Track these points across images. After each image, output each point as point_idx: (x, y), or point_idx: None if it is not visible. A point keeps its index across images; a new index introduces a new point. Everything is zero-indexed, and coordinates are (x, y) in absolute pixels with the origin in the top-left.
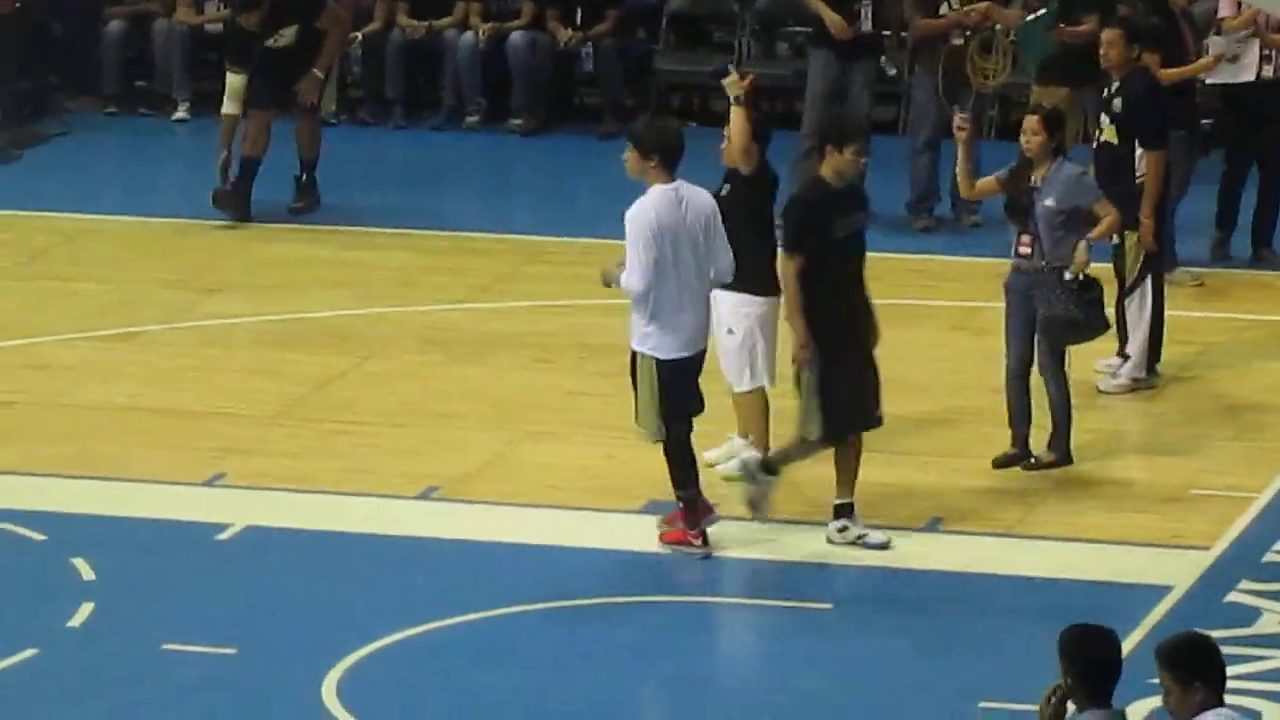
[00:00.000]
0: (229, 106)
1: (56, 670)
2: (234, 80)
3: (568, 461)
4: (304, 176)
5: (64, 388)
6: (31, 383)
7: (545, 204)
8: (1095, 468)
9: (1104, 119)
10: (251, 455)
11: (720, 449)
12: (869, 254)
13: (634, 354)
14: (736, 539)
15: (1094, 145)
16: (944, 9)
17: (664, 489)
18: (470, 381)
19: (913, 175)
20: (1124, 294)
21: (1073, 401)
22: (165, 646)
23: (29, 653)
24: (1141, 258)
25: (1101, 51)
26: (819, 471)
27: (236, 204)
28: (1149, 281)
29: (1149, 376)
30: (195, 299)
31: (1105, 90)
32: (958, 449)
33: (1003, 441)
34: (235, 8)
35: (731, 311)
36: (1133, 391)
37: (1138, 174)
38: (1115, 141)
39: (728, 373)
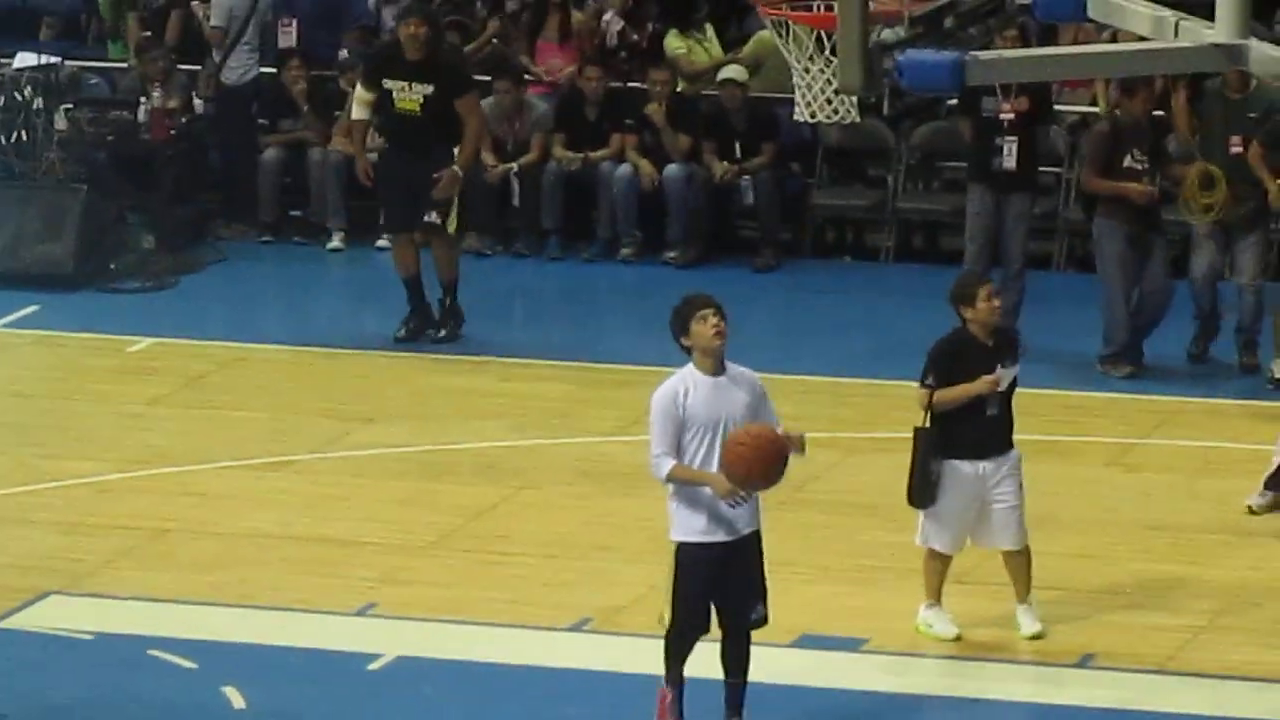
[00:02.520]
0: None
1: None
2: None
3: None
4: (447, 301)
5: (218, 515)
6: (186, 510)
7: None
8: (1253, 602)
9: None
10: (403, 585)
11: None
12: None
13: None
14: (884, 669)
15: None
16: (1127, 160)
17: (818, 624)
18: (624, 513)
19: (1108, 322)
20: None
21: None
22: None
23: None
24: None
25: None
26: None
27: (417, 323)
28: None
29: None
30: (348, 428)
31: None
32: (1111, 585)
33: (1158, 575)
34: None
35: (1019, 468)
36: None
37: None
38: None
39: (1016, 535)
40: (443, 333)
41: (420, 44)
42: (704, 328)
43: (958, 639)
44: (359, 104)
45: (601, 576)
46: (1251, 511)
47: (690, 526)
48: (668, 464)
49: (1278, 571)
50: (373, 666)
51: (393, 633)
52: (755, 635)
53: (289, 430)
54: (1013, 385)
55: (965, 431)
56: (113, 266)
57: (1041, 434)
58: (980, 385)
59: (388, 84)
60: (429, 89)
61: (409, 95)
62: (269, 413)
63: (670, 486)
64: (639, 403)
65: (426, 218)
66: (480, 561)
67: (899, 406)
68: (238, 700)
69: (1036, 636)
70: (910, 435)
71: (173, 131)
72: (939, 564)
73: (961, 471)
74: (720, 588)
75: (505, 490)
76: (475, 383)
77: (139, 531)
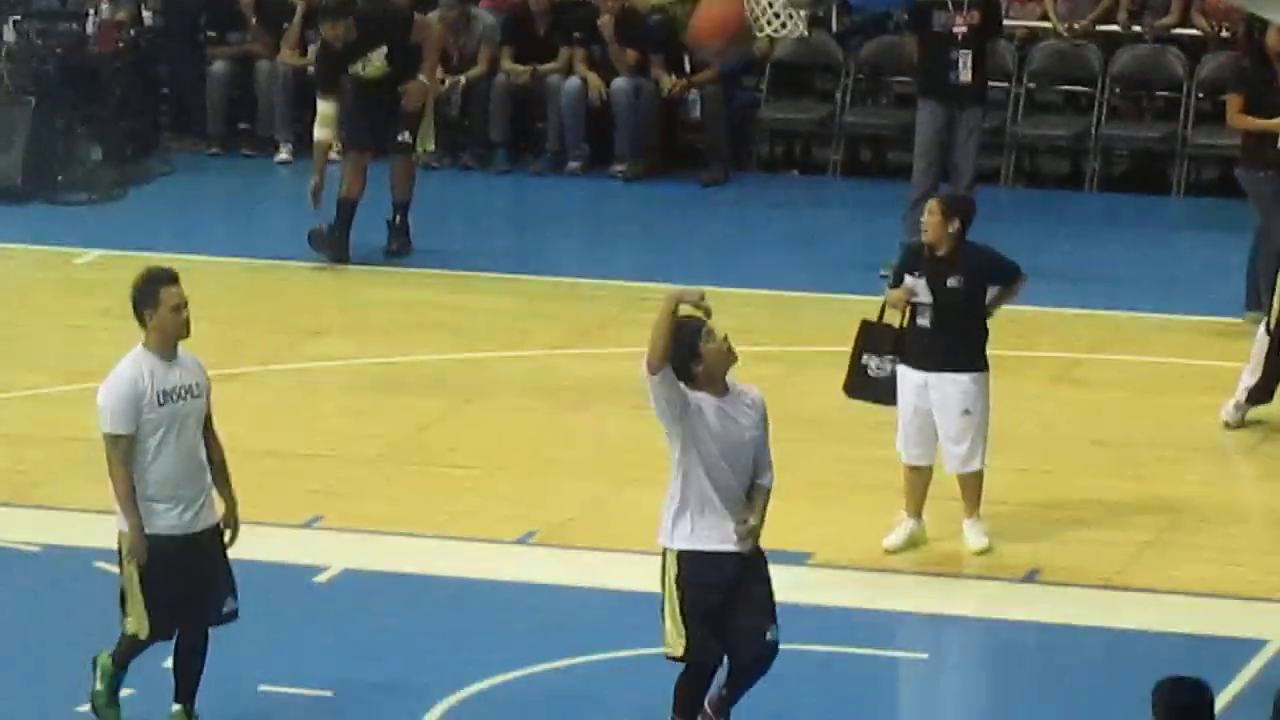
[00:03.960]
0: (320, 133)
1: (155, 707)
2: (324, 107)
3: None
4: (397, 219)
5: None
6: None
7: (648, 250)
8: (1200, 518)
9: None
10: (349, 498)
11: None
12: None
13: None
14: (828, 584)
15: None
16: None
17: (768, 537)
18: (571, 427)
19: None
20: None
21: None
22: (262, 688)
23: (126, 692)
24: None
25: None
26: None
27: (333, 246)
28: None
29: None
30: (296, 341)
31: None
32: (1057, 501)
33: (1104, 491)
34: (320, 17)
35: (968, 391)
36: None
37: None
38: None
39: (958, 456)
40: (394, 246)
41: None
42: (716, 345)
43: (887, 552)
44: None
45: (549, 490)
46: (1227, 426)
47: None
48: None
49: (1224, 488)
50: (319, 579)
51: (339, 545)
52: None
53: (237, 343)
54: (964, 303)
55: (910, 339)
56: (60, 179)
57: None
58: (892, 294)
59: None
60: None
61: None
62: (217, 326)
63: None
64: (587, 316)
65: (400, 136)
66: (427, 475)
67: (846, 321)
68: None
69: (983, 551)
70: None
71: (120, 44)
72: (905, 472)
73: (905, 377)
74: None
75: (453, 403)
76: (423, 296)
77: (84, 443)
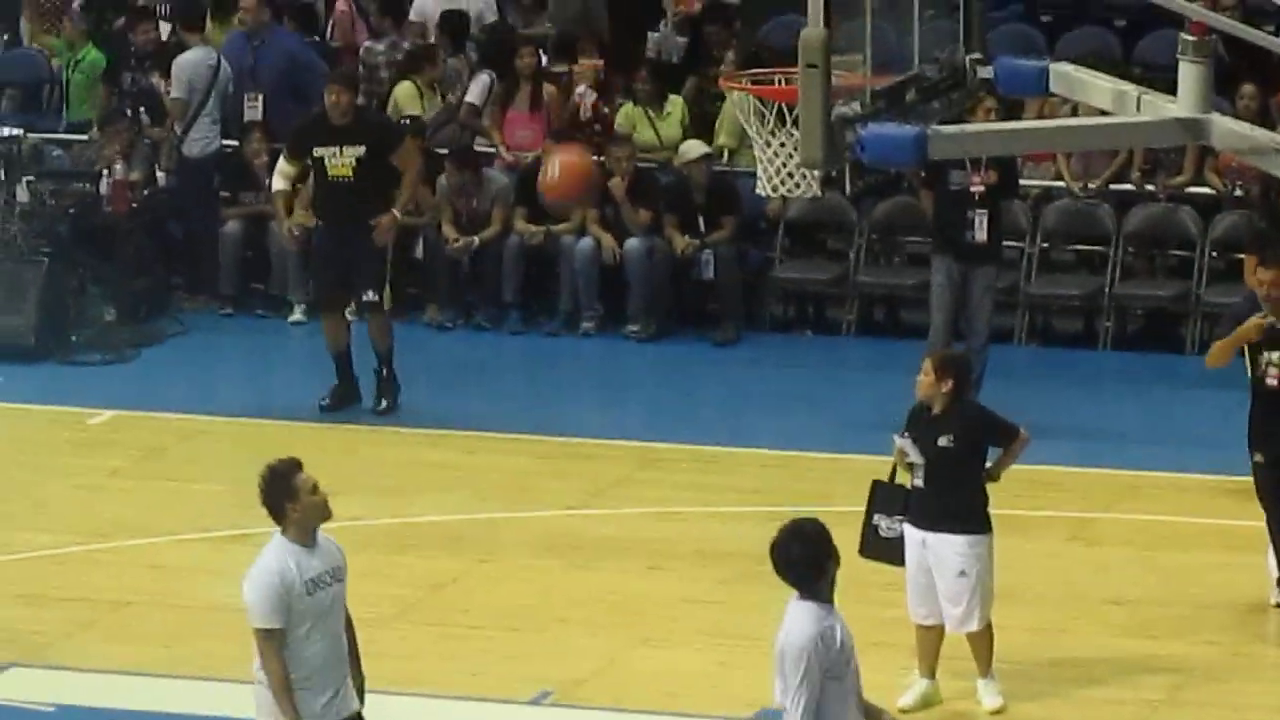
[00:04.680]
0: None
1: None
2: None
3: (681, 667)
4: (384, 371)
5: (178, 587)
6: (146, 582)
7: (660, 409)
8: (1210, 678)
9: None
10: (365, 658)
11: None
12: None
13: None
14: None
15: None
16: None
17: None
18: (584, 586)
19: None
20: None
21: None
22: None
23: None
24: None
25: None
26: None
27: (342, 397)
28: None
29: None
30: None
31: None
32: (1070, 660)
33: (1117, 649)
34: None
35: (963, 554)
36: None
37: None
38: None
39: (955, 618)
40: (384, 404)
41: (344, 110)
42: (833, 569)
43: (901, 712)
44: (279, 176)
45: (562, 649)
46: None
47: None
48: None
49: (1234, 645)
50: None
51: None
52: (707, 708)
53: (249, 502)
54: (956, 463)
55: (912, 499)
56: (74, 338)
57: (1001, 509)
58: (897, 451)
59: (318, 152)
60: (360, 150)
61: (340, 160)
62: (229, 485)
63: None
64: (599, 475)
65: (365, 296)
66: (442, 634)
67: (858, 481)
68: None
69: (997, 711)
70: None
71: (134, 204)
72: (916, 632)
73: (909, 535)
74: None
75: (466, 563)
76: (436, 455)
77: (99, 603)
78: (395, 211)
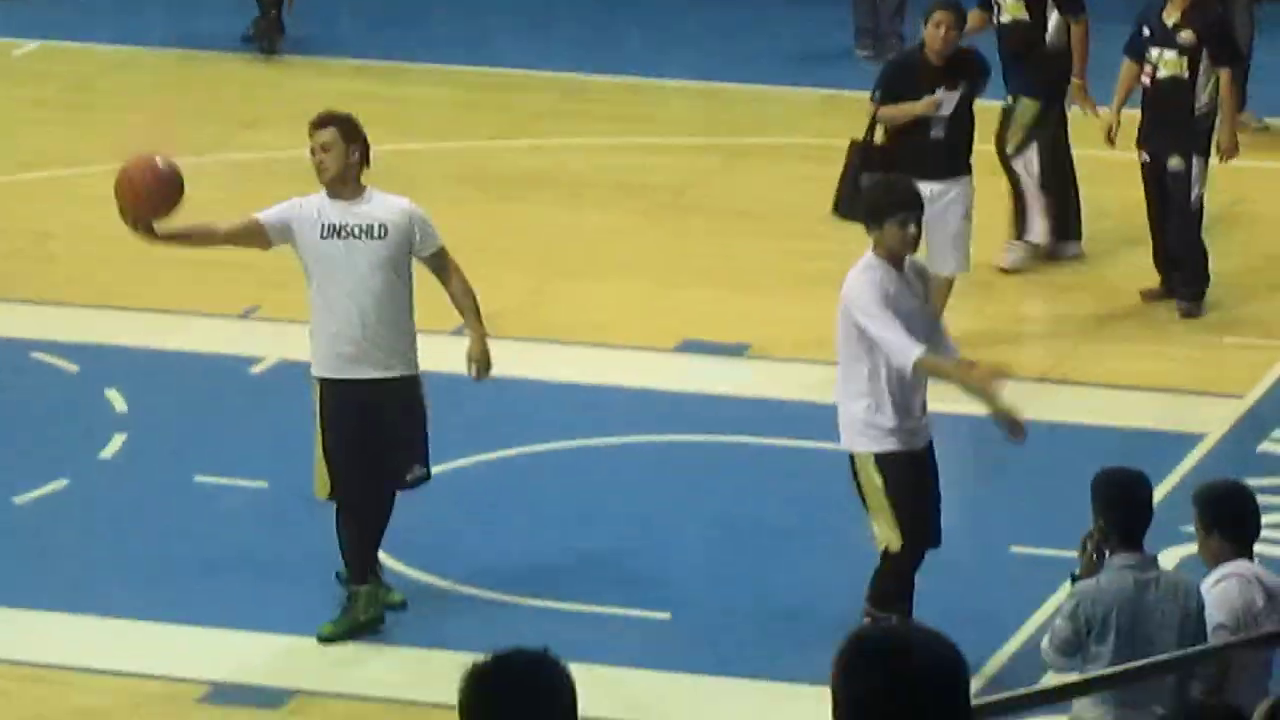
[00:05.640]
0: None
1: (87, 501)
2: None
3: (601, 299)
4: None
5: (101, 219)
6: (70, 214)
7: (586, 43)
8: (1132, 313)
9: None
10: (285, 288)
11: None
12: None
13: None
14: (766, 376)
15: None
16: None
17: (698, 328)
18: (505, 219)
19: None
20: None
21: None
22: (197, 479)
23: (60, 483)
24: None
25: None
26: None
27: (264, 35)
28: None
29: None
30: (230, 132)
31: None
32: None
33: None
34: None
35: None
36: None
37: None
38: None
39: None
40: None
41: None
42: (901, 231)
43: None
44: None
45: (482, 281)
46: (1004, 271)
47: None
48: (916, 350)
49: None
50: (255, 370)
51: (275, 336)
52: (635, 340)
53: (174, 131)
54: (964, 108)
55: (911, 151)
56: None
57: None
58: (919, 106)
59: None
60: None
61: None
62: (151, 116)
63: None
64: (523, 107)
65: None
66: None
67: (780, 113)
68: (120, 403)
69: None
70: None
71: None
72: None
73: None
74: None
75: None
76: (359, 87)
77: (23, 235)
78: None
